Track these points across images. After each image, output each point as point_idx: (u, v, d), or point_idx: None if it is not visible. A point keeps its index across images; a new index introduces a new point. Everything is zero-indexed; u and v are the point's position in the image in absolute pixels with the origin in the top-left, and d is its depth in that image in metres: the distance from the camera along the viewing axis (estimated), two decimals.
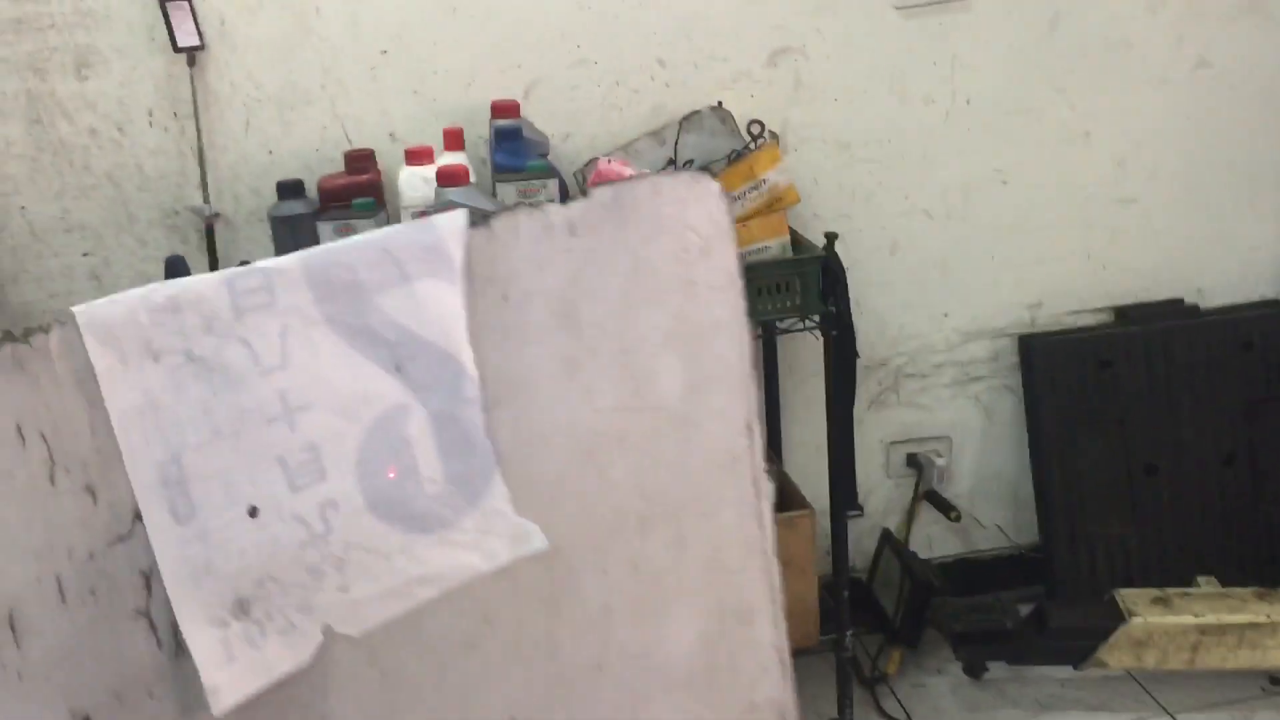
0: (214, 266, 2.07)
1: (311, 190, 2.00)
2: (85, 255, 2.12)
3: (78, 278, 2.13)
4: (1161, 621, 2.22)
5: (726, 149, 2.15)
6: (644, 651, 1.37)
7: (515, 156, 1.96)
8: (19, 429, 1.06)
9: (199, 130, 2.05)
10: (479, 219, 1.25)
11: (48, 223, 2.09)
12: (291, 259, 1.18)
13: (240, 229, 2.13)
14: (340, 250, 1.20)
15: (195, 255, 2.06)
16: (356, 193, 1.95)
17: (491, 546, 1.28)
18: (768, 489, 1.40)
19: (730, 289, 1.36)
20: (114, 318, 1.10)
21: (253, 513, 1.17)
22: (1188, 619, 2.22)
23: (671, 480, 1.36)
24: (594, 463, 1.33)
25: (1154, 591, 2.29)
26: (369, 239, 1.22)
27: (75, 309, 1.09)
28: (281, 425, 1.18)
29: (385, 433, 1.23)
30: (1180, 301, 2.55)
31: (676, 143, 2.19)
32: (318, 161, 2.09)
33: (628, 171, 1.97)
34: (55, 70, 2.02)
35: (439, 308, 1.24)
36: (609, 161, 2.01)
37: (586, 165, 2.14)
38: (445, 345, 1.24)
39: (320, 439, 1.20)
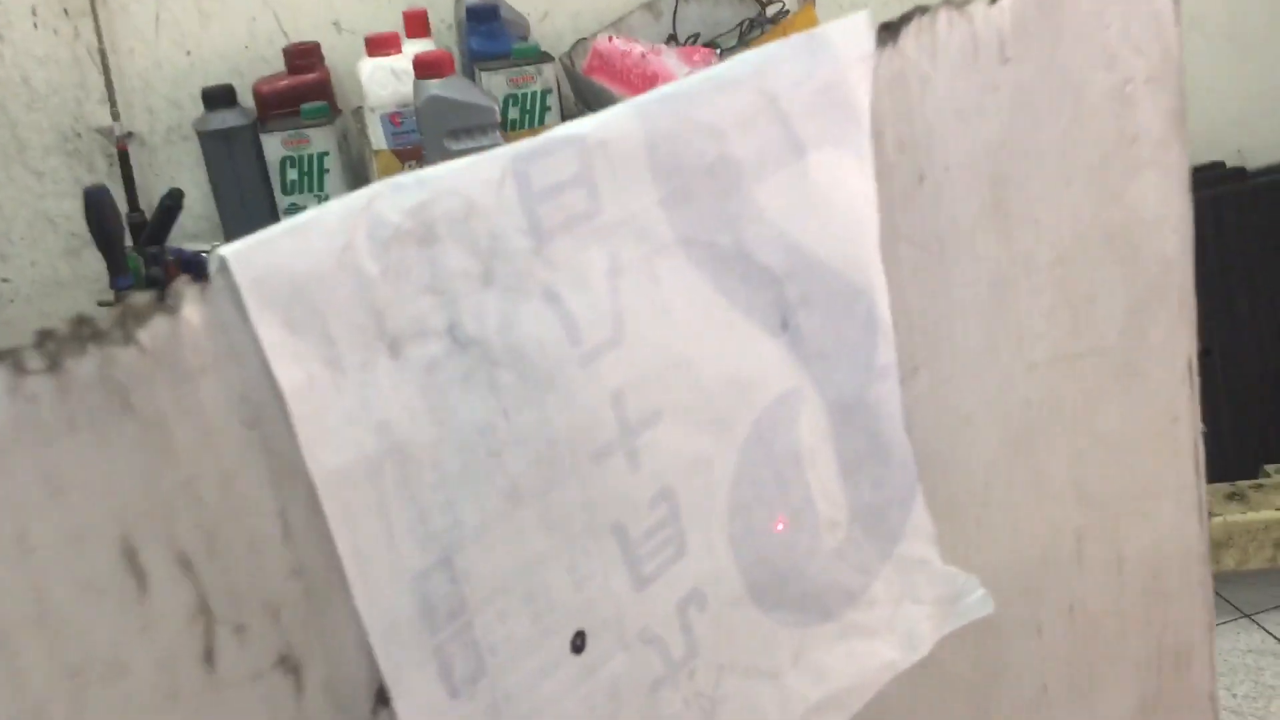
0: (132, 200, 1.42)
1: (246, 97, 1.50)
2: None
3: None
4: (1242, 519, 1.92)
5: (736, 19, 1.68)
6: None
7: (495, 40, 1.48)
8: (128, 549, 0.42)
9: (98, 31, 1.51)
10: (883, 35, 0.66)
11: None
12: (624, 113, 0.56)
13: (159, 150, 1.58)
14: (694, 98, 0.58)
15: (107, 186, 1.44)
16: (303, 96, 1.48)
17: (911, 622, 0.72)
18: (1203, 460, 0.89)
19: (1173, 145, 0.82)
20: (309, 267, 0.46)
21: (579, 645, 0.57)
22: (1270, 514, 1.92)
23: (1110, 467, 0.83)
24: (1026, 454, 0.78)
25: (1225, 486, 1.98)
26: (731, 73, 0.60)
27: (225, 251, 0.45)
28: (618, 460, 0.57)
29: (767, 449, 0.63)
30: (1221, 165, 2.21)
31: (675, 15, 1.71)
32: (249, 62, 1.59)
33: (637, 50, 1.42)
34: None
35: (844, 204, 0.65)
36: (609, 40, 1.45)
37: (574, 48, 1.58)
38: (852, 274, 0.65)
39: (677, 478, 0.60)
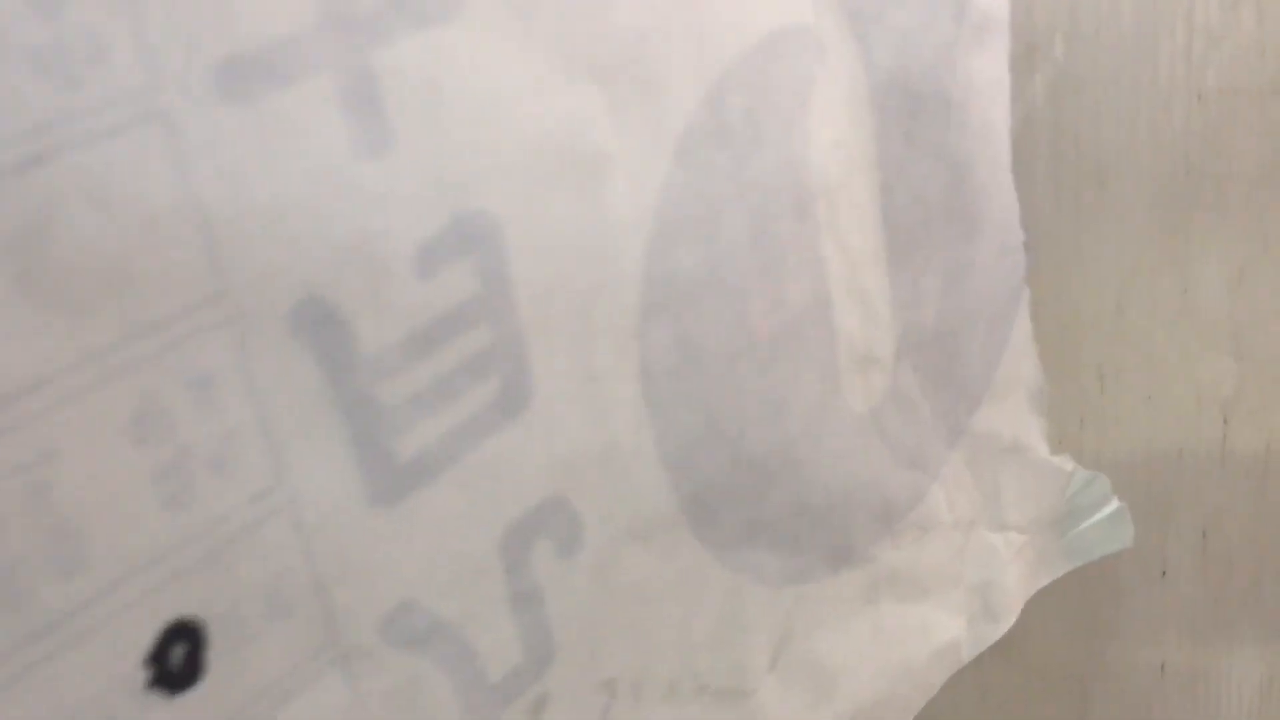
0: None
1: None
2: None
3: None
4: None
5: None
6: None
7: None
8: None
9: None
10: None
11: None
12: None
13: None
14: None
15: None
16: None
17: (990, 567, 0.34)
18: None
19: None
20: None
21: (174, 668, 0.17)
22: None
23: (1275, 298, 0.46)
24: (1177, 255, 0.41)
25: None
26: None
27: None
28: (315, 88, 0.17)
29: (738, 159, 0.24)
30: None
31: None
32: None
33: None
34: None
35: None
36: None
37: None
38: None
39: (498, 188, 0.20)
